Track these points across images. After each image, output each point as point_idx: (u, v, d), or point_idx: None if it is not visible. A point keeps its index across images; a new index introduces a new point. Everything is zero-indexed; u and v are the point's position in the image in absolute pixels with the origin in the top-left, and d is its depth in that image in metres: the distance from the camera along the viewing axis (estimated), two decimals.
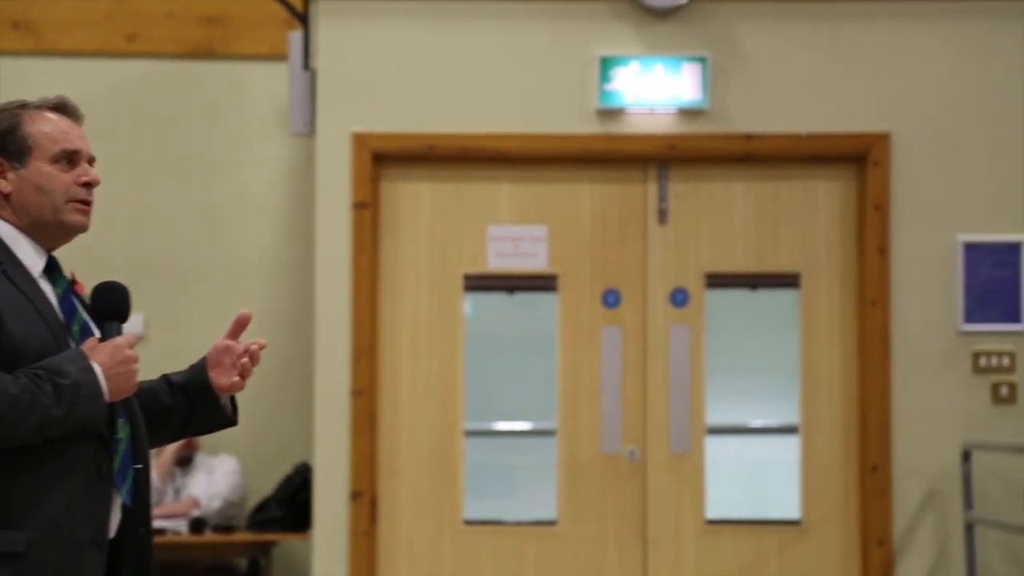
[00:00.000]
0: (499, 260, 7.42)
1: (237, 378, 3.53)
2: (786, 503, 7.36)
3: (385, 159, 7.39)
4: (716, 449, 7.36)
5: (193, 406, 3.55)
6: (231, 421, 3.62)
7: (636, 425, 7.36)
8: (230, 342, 3.54)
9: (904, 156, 7.20)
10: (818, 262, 7.35)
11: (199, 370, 3.54)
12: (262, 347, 3.57)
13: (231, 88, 8.23)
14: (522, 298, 7.51)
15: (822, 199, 7.36)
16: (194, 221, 8.20)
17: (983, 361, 7.16)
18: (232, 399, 3.62)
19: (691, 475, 7.34)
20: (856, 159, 7.30)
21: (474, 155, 7.36)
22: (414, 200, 7.42)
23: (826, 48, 7.26)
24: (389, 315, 7.38)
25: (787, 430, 7.39)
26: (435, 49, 7.34)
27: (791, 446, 7.36)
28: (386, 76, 7.33)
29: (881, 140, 7.22)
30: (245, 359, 3.52)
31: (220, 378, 3.53)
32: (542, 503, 7.39)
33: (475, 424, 7.43)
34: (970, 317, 7.18)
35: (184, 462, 8.08)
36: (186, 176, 8.20)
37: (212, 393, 3.54)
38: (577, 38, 7.31)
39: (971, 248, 7.18)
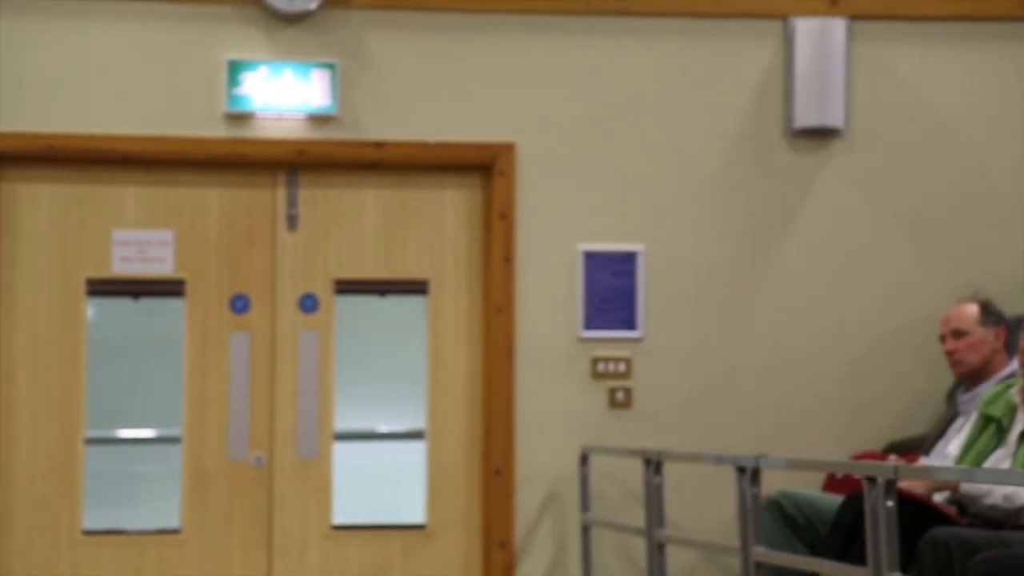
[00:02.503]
0: (124, 265, 7.01)
1: None
2: (412, 508, 7.16)
3: (4, 159, 6.89)
4: (344, 455, 7.11)
5: None
6: None
7: (263, 431, 7.04)
8: None
9: (528, 166, 7.07)
10: (446, 269, 7.16)
11: None
12: None
13: None
14: (148, 303, 7.10)
15: (450, 207, 7.17)
16: None
17: (601, 367, 7.09)
18: None
19: (318, 481, 7.06)
20: (482, 168, 7.12)
21: (98, 157, 6.92)
22: (33, 202, 6.97)
23: (455, 59, 7.07)
24: (4, 320, 6.86)
25: (414, 435, 7.21)
26: (59, 47, 6.91)
27: (418, 451, 7.17)
28: (5, 74, 6.83)
29: (506, 150, 7.04)
30: None
31: None
32: (166, 511, 7.01)
33: (97, 432, 6.99)
34: (589, 324, 7.09)
35: None
36: None
37: None
38: (205, 41, 6.97)
39: (591, 257, 7.08)
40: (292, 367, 7.03)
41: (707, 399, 7.09)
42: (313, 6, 6.95)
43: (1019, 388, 5.56)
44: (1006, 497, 5.21)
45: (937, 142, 7.20)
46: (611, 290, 7.10)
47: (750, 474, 5.42)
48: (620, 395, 7.09)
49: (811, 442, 7.02)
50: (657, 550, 6.17)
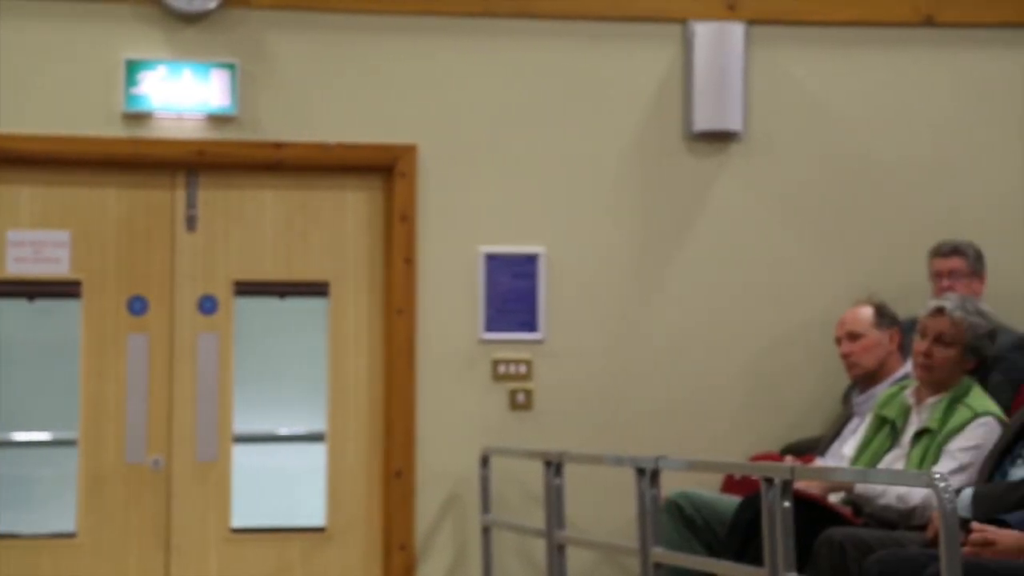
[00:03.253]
0: (18, 265, 6.92)
1: None
2: (312, 510, 7.12)
3: None
4: (243, 457, 7.06)
5: None
6: None
7: (162, 434, 6.98)
8: None
9: (430, 168, 7.06)
10: (346, 271, 7.14)
11: None
12: None
13: None
14: (43, 305, 7.02)
15: (350, 209, 7.14)
16: None
17: (502, 369, 7.10)
18: None
19: (217, 483, 7.01)
20: (383, 170, 7.11)
21: None
22: None
23: (356, 60, 7.06)
24: None
25: (314, 437, 7.17)
26: None
27: (318, 454, 7.13)
28: None
29: (408, 152, 7.04)
30: None
31: None
32: (62, 515, 6.92)
33: None
34: (490, 326, 7.11)
35: None
36: None
37: None
38: (103, 40, 6.90)
39: (492, 259, 7.09)
40: (191, 369, 6.97)
41: (607, 401, 7.12)
42: (212, 5, 6.89)
43: (913, 390, 5.64)
44: (900, 497, 5.28)
45: (833, 145, 7.28)
46: (512, 292, 7.10)
47: (649, 475, 5.46)
48: (521, 397, 7.09)
49: (709, 443, 7.06)
50: (557, 551, 6.18)
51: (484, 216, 7.09)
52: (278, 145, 6.97)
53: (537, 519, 6.59)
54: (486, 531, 6.90)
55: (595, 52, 7.18)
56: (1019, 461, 5.03)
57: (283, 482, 7.22)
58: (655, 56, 7.20)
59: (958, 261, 6.78)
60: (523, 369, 7.10)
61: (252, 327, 7.09)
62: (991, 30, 7.29)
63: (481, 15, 7.11)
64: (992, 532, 4.34)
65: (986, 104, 7.30)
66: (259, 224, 7.06)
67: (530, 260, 7.12)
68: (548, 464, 6.24)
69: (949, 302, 5.57)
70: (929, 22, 7.26)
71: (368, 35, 7.05)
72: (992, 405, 5.47)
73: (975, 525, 4.39)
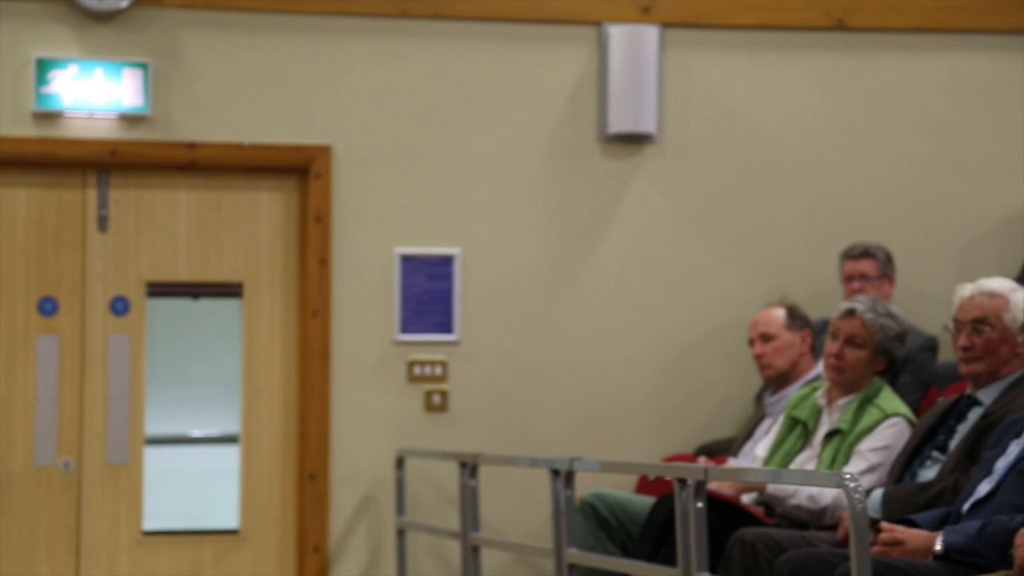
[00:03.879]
0: None
1: None
2: (225, 513, 7.09)
3: None
4: (155, 460, 7.01)
5: None
6: None
7: (72, 436, 6.93)
8: None
9: (345, 169, 7.04)
10: (260, 272, 7.11)
11: None
12: None
13: None
14: None
15: (265, 210, 7.12)
16: None
17: (417, 370, 7.10)
18: None
19: (128, 486, 6.97)
20: (298, 171, 7.09)
21: None
22: None
23: (271, 60, 7.04)
24: None
25: (228, 440, 7.13)
26: None
27: (231, 456, 7.09)
28: None
29: (323, 153, 7.02)
30: None
31: None
32: None
33: None
34: (406, 328, 7.10)
35: None
36: None
37: None
38: (12, 38, 6.83)
39: (408, 260, 7.08)
40: (102, 371, 6.91)
41: (523, 402, 7.13)
42: (124, 4, 6.83)
43: (824, 391, 5.70)
44: (811, 498, 5.33)
45: (746, 148, 7.33)
46: (427, 293, 7.10)
47: (564, 476, 5.48)
48: (436, 398, 7.09)
49: (624, 444, 7.10)
50: (472, 553, 6.19)
51: (400, 217, 7.08)
52: (191, 145, 6.92)
53: (452, 521, 6.60)
54: (400, 533, 6.89)
55: (510, 54, 7.19)
56: (928, 462, 5.09)
57: (196, 484, 7.18)
58: (570, 58, 7.22)
59: (869, 264, 6.85)
60: (438, 371, 7.10)
61: (165, 328, 7.04)
62: (900, 35, 7.37)
63: (396, 16, 7.10)
64: (901, 532, 4.39)
65: (895, 107, 7.38)
66: (172, 225, 7.01)
67: (445, 261, 7.12)
68: (463, 466, 6.24)
69: (860, 304, 5.63)
70: (840, 26, 7.33)
71: (283, 35, 7.02)
72: (902, 406, 5.53)
73: (884, 525, 4.44)
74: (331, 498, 6.97)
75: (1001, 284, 5.09)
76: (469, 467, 6.21)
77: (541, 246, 7.19)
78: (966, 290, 5.10)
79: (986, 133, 7.38)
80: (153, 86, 6.87)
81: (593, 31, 7.23)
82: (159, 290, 7.01)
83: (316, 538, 6.95)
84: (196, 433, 7.21)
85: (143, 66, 6.86)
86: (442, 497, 6.99)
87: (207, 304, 7.12)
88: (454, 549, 6.58)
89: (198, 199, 7.03)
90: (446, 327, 7.11)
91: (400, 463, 6.89)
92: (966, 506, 4.49)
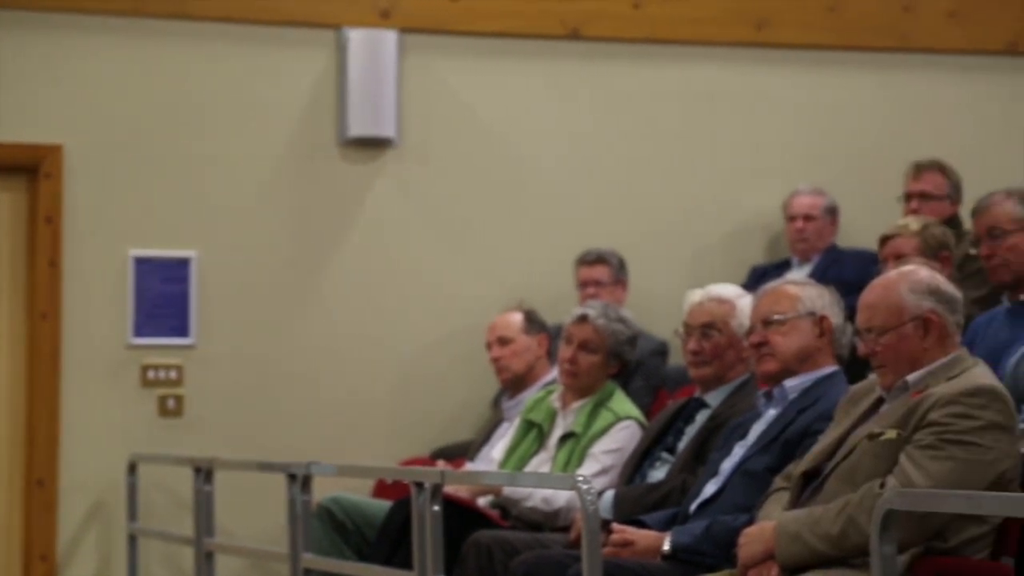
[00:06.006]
0: None
1: None
2: None
3: None
4: None
5: None
6: None
7: None
8: None
9: (77, 169, 6.93)
10: None
11: None
12: None
13: None
14: None
15: None
16: None
17: (151, 374, 7.03)
18: None
19: None
20: (27, 170, 6.97)
21: None
22: None
23: None
24: None
25: None
26: None
27: None
28: None
29: (53, 152, 6.92)
30: None
31: None
32: None
33: None
34: (139, 331, 7.02)
35: None
36: None
37: None
38: None
39: (142, 263, 7.00)
40: None
41: (260, 406, 7.09)
42: None
43: (559, 394, 5.80)
44: (545, 500, 5.42)
45: (485, 153, 7.41)
46: (162, 296, 7.01)
47: (301, 481, 5.47)
48: (171, 403, 7.01)
49: (362, 448, 7.10)
50: (205, 559, 6.14)
51: (134, 219, 6.99)
52: None
53: (187, 527, 6.53)
54: (132, 539, 6.81)
55: (249, 55, 7.15)
56: (658, 463, 5.22)
57: None
58: (309, 61, 7.21)
59: (602, 270, 6.99)
60: (173, 375, 7.02)
61: None
62: (634, 45, 7.52)
63: (132, 15, 6.99)
64: (631, 533, 4.50)
65: (629, 115, 7.53)
66: None
67: (181, 264, 7.04)
68: (197, 471, 6.19)
69: (592, 310, 5.75)
70: (576, 35, 7.46)
71: (13, 31, 6.88)
72: (633, 409, 5.66)
73: (615, 526, 4.54)
74: (60, 505, 6.85)
75: (729, 290, 5.25)
76: (204, 472, 6.16)
77: (280, 249, 7.16)
78: (695, 296, 5.24)
79: (717, 142, 7.59)
80: None
81: (332, 35, 7.24)
82: None
83: (43, 546, 6.83)
84: None
85: None
86: (176, 503, 6.91)
87: None
88: (188, 555, 6.51)
89: None
90: (182, 330, 7.04)
91: (132, 468, 6.80)
92: (693, 506, 4.62)
